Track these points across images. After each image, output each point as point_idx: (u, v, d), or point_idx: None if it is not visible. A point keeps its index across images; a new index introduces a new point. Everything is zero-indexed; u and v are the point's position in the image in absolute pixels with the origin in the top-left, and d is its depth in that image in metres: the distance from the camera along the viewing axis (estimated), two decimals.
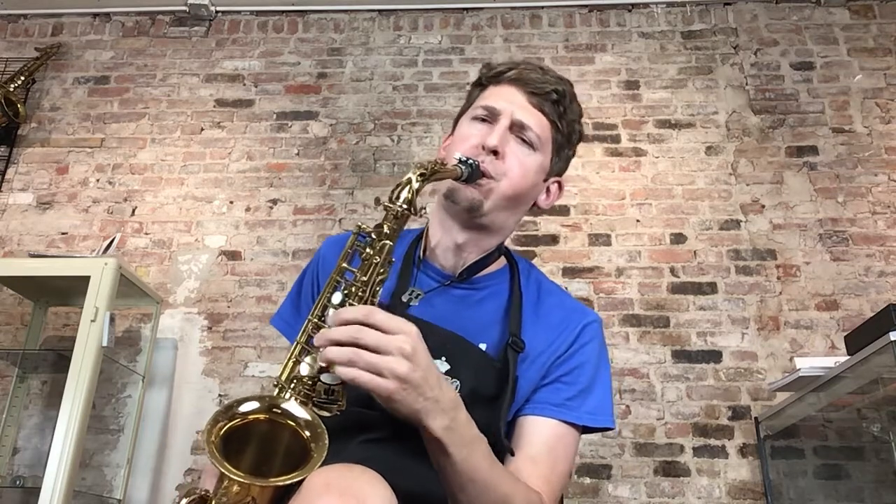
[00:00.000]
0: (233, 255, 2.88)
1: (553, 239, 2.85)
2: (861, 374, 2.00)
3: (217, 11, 3.36)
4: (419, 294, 1.04)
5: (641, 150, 2.98)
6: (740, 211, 2.85)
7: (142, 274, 2.79)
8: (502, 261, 1.13)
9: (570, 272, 2.79)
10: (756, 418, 2.49)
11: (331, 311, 0.84)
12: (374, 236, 0.87)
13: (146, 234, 2.93)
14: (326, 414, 0.80)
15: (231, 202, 2.98)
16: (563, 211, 2.89)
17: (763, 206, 2.85)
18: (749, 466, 2.48)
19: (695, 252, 2.79)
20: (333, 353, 0.77)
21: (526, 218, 2.87)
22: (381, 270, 0.86)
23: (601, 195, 2.91)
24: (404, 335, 0.78)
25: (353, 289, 0.85)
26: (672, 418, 2.55)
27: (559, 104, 1.08)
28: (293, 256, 2.87)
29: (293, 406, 0.79)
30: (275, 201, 2.97)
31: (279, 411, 0.78)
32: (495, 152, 1.02)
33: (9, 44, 3.34)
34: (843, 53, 3.11)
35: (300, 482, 0.72)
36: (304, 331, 0.86)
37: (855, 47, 3.12)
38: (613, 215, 2.87)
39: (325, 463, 0.75)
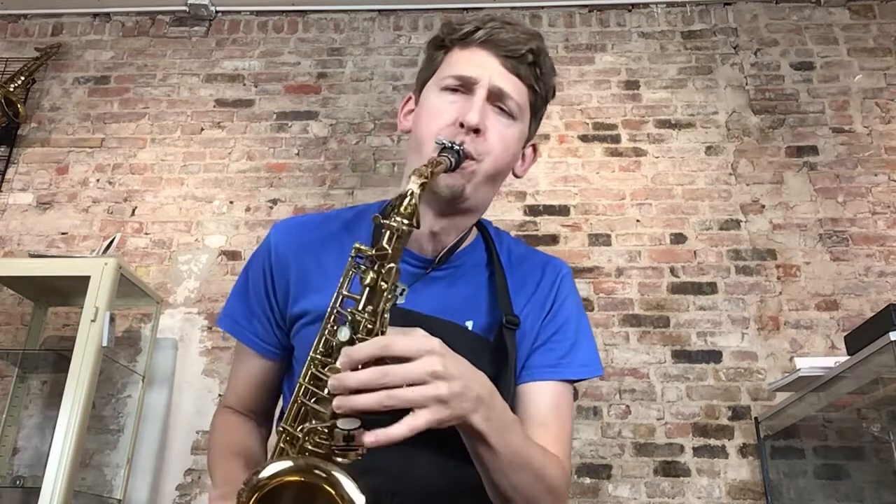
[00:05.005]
0: (233, 255, 2.88)
1: (553, 239, 2.85)
2: (861, 374, 2.01)
3: (217, 11, 3.36)
4: (403, 289, 0.94)
5: (641, 150, 2.98)
6: (740, 211, 2.85)
7: (142, 274, 2.79)
8: (474, 231, 1.06)
9: None
10: (756, 418, 2.49)
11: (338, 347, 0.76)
12: (375, 258, 0.76)
13: (146, 234, 2.93)
14: (346, 461, 0.72)
15: (231, 202, 2.98)
16: (563, 211, 2.89)
17: (763, 206, 2.85)
18: (749, 466, 2.48)
19: (695, 252, 2.79)
20: (362, 402, 0.69)
21: (526, 218, 2.88)
22: (389, 297, 0.76)
23: (601, 195, 2.91)
24: (428, 355, 0.72)
25: (361, 321, 0.75)
26: (672, 418, 2.55)
27: (535, 65, 0.97)
28: None
29: (343, 478, 0.68)
30: (275, 201, 2.97)
31: (323, 475, 0.68)
32: (476, 130, 0.92)
33: (9, 44, 3.34)
34: (843, 53, 3.11)
35: None
36: (306, 370, 0.77)
37: (855, 47, 3.12)
38: (613, 215, 2.87)
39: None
